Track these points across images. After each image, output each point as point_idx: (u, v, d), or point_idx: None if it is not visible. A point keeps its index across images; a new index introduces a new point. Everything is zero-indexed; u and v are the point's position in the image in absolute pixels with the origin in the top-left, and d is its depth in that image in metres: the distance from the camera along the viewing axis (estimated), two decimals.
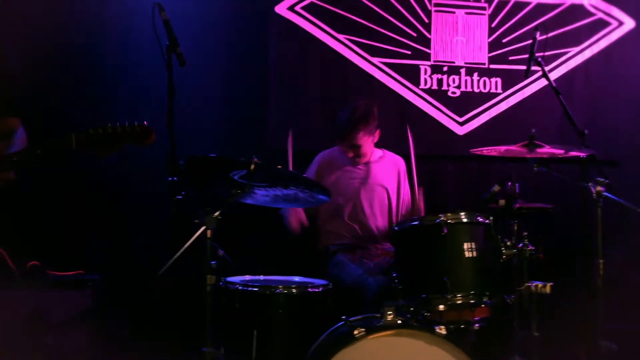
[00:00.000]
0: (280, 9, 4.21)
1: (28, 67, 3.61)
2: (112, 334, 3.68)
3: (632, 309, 3.54)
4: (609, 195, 2.84)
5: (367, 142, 3.72)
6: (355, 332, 2.43)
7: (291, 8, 4.22)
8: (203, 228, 2.55)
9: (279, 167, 2.76)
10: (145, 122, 2.63)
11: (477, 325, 2.84)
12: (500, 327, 3.04)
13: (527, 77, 3.32)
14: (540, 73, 3.56)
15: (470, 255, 2.69)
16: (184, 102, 3.08)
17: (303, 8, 4.24)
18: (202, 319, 2.72)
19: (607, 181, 2.81)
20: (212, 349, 2.61)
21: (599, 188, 2.82)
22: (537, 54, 3.23)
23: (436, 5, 4.35)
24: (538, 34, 3.24)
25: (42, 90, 3.71)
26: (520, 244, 2.88)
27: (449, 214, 2.71)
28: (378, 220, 3.74)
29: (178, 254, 2.52)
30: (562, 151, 3.04)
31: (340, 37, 4.26)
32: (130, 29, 3.88)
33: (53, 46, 3.77)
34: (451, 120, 4.33)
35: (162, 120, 2.85)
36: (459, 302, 2.64)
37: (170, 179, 2.87)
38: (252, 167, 2.67)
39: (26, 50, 3.59)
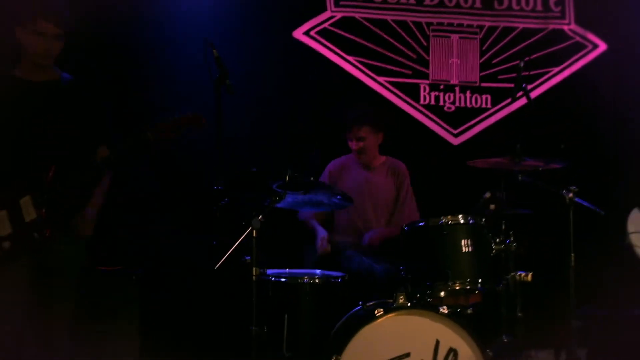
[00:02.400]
0: (297, 34, 4.72)
1: None
2: (159, 320, 4.19)
3: (599, 295, 4.08)
4: (579, 200, 3.36)
5: (371, 138, 4.15)
6: (376, 311, 2.97)
7: (307, 33, 4.74)
8: (250, 228, 3.09)
9: (312, 178, 3.28)
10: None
11: (470, 309, 3.38)
12: (490, 310, 3.55)
13: (514, 101, 3.79)
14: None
15: (467, 250, 3.22)
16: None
17: (317, 33, 4.74)
18: (249, 303, 3.20)
19: (576, 189, 3.32)
20: (257, 328, 3.13)
21: (570, 195, 3.34)
22: (522, 80, 3.67)
23: (434, 30, 4.85)
24: (522, 62, 3.60)
25: None
26: (507, 241, 3.38)
27: (449, 217, 3.25)
28: (380, 219, 4.20)
29: (230, 250, 3.05)
30: (541, 163, 3.56)
31: (350, 58, 4.76)
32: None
33: None
34: (447, 132, 4.84)
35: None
36: (458, 288, 3.18)
37: (215, 187, 3.40)
38: (287, 178, 3.22)
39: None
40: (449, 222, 3.23)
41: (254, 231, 3.09)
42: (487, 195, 3.43)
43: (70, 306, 3.00)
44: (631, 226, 3.36)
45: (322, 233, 4.07)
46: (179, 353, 4.17)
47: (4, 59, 3.03)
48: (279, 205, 3.36)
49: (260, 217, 3.10)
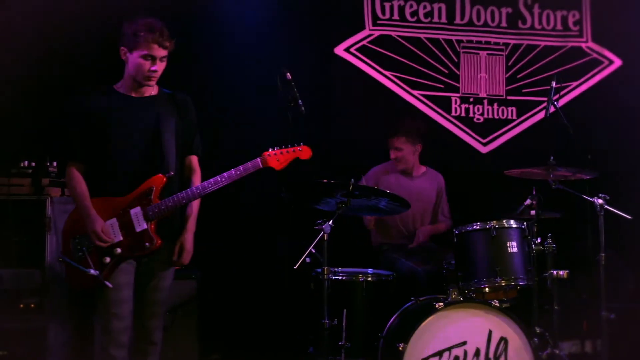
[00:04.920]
0: (339, 50, 5.10)
1: None
2: (219, 314, 4.50)
3: (625, 291, 4.45)
4: (609, 207, 3.72)
5: (408, 149, 4.51)
6: (437, 305, 3.36)
7: (347, 49, 5.11)
8: (322, 233, 3.44)
9: (376, 187, 3.63)
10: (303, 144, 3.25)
11: (508, 302, 3.74)
12: (523, 304, 3.88)
13: (547, 118, 4.14)
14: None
15: (512, 251, 3.60)
16: None
17: (357, 49, 5.11)
18: (310, 298, 3.50)
19: (607, 197, 3.69)
20: (327, 320, 3.46)
21: (600, 202, 3.69)
22: (553, 98, 4.01)
23: (463, 47, 5.24)
24: (554, 82, 4.01)
25: None
26: (546, 242, 3.77)
27: (496, 221, 3.63)
28: (419, 225, 4.56)
29: (307, 253, 3.38)
30: (570, 173, 3.91)
31: (387, 73, 5.14)
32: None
33: None
34: (476, 142, 5.22)
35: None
36: (504, 284, 3.56)
37: (282, 194, 3.74)
38: (350, 187, 3.58)
39: None
40: (497, 226, 3.60)
41: (325, 235, 3.44)
42: (528, 201, 3.79)
43: (165, 305, 3.28)
44: None
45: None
46: (236, 347, 4.53)
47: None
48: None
49: (330, 221, 3.45)
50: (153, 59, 3.11)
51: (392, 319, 3.70)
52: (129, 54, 3.13)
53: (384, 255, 4.54)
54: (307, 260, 3.51)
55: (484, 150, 5.24)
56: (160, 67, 3.15)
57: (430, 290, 3.91)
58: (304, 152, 3.24)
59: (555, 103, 4.02)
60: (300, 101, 3.49)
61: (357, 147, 4.96)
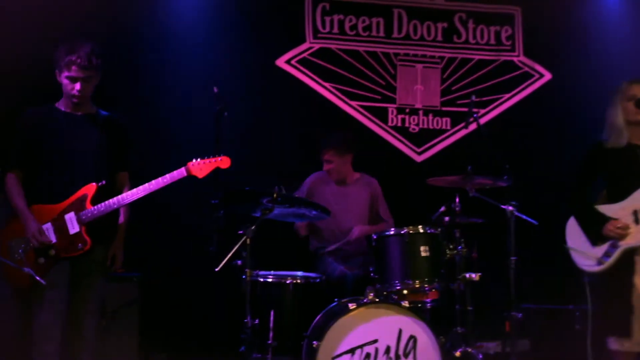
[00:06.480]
0: (280, 62, 5.29)
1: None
2: (158, 315, 4.69)
3: (535, 293, 4.71)
4: (518, 214, 3.96)
5: (337, 161, 4.71)
6: (350, 305, 3.58)
7: (288, 61, 5.33)
8: (244, 238, 3.65)
9: (297, 196, 3.85)
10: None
11: (429, 304, 3.99)
12: (447, 306, 4.11)
13: (466, 128, 4.38)
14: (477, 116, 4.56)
15: (425, 255, 3.83)
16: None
17: (297, 62, 5.33)
18: (241, 300, 3.71)
19: (517, 204, 3.94)
20: (250, 320, 3.65)
21: (510, 209, 3.92)
22: (474, 110, 4.19)
23: (400, 60, 5.46)
24: (473, 97, 4.20)
25: None
26: (459, 247, 4.00)
27: (411, 227, 3.85)
28: (355, 230, 4.71)
29: (228, 256, 3.59)
30: (490, 182, 4.15)
31: (327, 85, 5.35)
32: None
33: None
34: (411, 151, 5.45)
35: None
36: (417, 286, 3.80)
37: (213, 201, 3.93)
38: (275, 195, 3.79)
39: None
40: (410, 232, 3.83)
41: (248, 239, 3.65)
42: (443, 208, 4.03)
43: (98, 303, 3.50)
44: (569, 234, 3.89)
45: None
46: (175, 346, 4.70)
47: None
48: (267, 217, 3.88)
49: (253, 227, 3.66)
50: (74, 80, 3.35)
51: (317, 319, 3.89)
52: (59, 76, 3.40)
53: (320, 259, 4.75)
54: (239, 262, 3.73)
55: (418, 159, 5.46)
56: (83, 87, 3.38)
57: (358, 292, 4.09)
58: (223, 162, 3.51)
59: (475, 115, 4.24)
60: (226, 113, 3.72)
61: (296, 157, 5.16)
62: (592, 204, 3.63)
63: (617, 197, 3.55)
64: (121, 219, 3.57)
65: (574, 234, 3.69)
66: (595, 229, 3.53)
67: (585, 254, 3.55)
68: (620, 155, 3.59)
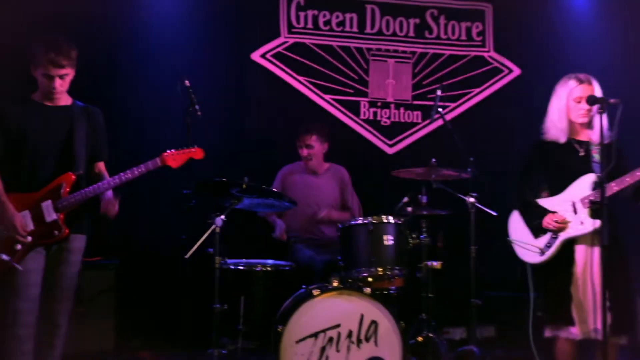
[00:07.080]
0: (255, 56, 5.41)
1: None
2: (133, 304, 4.79)
3: (494, 280, 4.88)
4: (478, 205, 4.11)
5: (318, 146, 4.85)
6: (314, 292, 3.72)
7: (263, 55, 5.45)
8: (214, 226, 3.78)
9: (263, 187, 3.98)
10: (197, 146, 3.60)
11: (393, 291, 4.13)
12: (412, 293, 4.30)
13: (431, 122, 4.52)
14: (448, 110, 4.69)
15: (388, 243, 3.96)
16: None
17: (272, 56, 5.45)
18: (212, 286, 3.84)
19: (476, 195, 4.08)
20: (219, 306, 3.82)
21: (471, 200, 4.09)
22: (439, 104, 4.34)
23: (373, 55, 5.59)
24: (439, 91, 4.35)
25: None
26: (422, 237, 4.16)
27: (375, 217, 3.99)
28: (323, 210, 4.84)
29: (197, 244, 3.72)
30: (454, 174, 4.30)
31: (301, 78, 5.48)
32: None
33: None
34: (383, 143, 5.58)
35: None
36: (381, 274, 3.94)
37: (185, 191, 4.04)
38: (244, 186, 3.92)
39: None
40: (374, 222, 3.97)
41: (217, 228, 3.79)
42: (406, 199, 4.17)
43: (72, 291, 3.58)
44: (512, 228, 4.02)
45: (281, 225, 4.81)
46: (149, 332, 4.86)
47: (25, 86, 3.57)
48: (237, 206, 4.03)
49: (222, 216, 3.80)
50: (51, 78, 3.41)
51: (284, 305, 4.02)
52: (34, 71, 3.46)
53: (292, 246, 4.89)
54: (211, 250, 3.86)
55: (390, 151, 5.59)
56: (60, 83, 3.44)
57: (326, 279, 4.25)
58: (197, 152, 3.63)
59: (440, 110, 4.38)
60: (197, 106, 3.83)
61: (270, 148, 5.28)
62: (533, 198, 3.71)
63: (557, 190, 3.65)
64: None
65: (517, 228, 3.78)
66: (536, 222, 3.63)
67: (528, 246, 3.67)
68: (559, 150, 3.68)
